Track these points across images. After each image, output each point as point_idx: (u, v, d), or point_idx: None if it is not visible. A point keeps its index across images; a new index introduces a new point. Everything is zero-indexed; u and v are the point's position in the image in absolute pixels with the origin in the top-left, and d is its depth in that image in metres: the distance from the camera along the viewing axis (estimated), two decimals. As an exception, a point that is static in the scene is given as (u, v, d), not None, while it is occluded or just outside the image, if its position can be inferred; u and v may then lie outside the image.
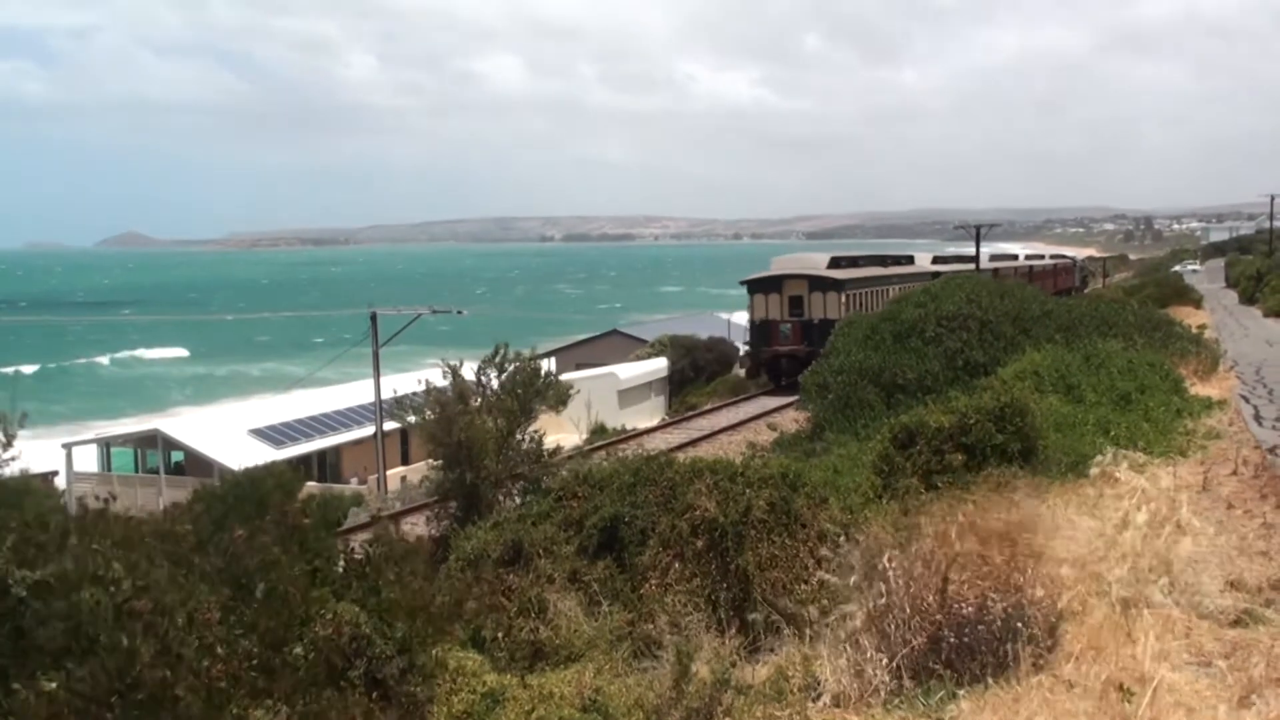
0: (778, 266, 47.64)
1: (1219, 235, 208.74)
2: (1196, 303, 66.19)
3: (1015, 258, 78.44)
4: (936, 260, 60.04)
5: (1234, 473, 14.37)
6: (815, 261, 47.85)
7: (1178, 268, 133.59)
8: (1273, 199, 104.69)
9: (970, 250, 60.77)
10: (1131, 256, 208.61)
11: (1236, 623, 8.03)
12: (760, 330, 45.77)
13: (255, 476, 8.16)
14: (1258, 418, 20.10)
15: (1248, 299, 75.00)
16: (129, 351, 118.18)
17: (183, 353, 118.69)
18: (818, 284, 44.61)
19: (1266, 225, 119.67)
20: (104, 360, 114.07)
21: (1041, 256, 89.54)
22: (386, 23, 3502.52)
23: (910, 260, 57.15)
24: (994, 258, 71.09)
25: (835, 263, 47.25)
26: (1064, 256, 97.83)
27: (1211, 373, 26.61)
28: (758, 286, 46.06)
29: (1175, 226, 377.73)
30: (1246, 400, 22.61)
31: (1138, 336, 27.80)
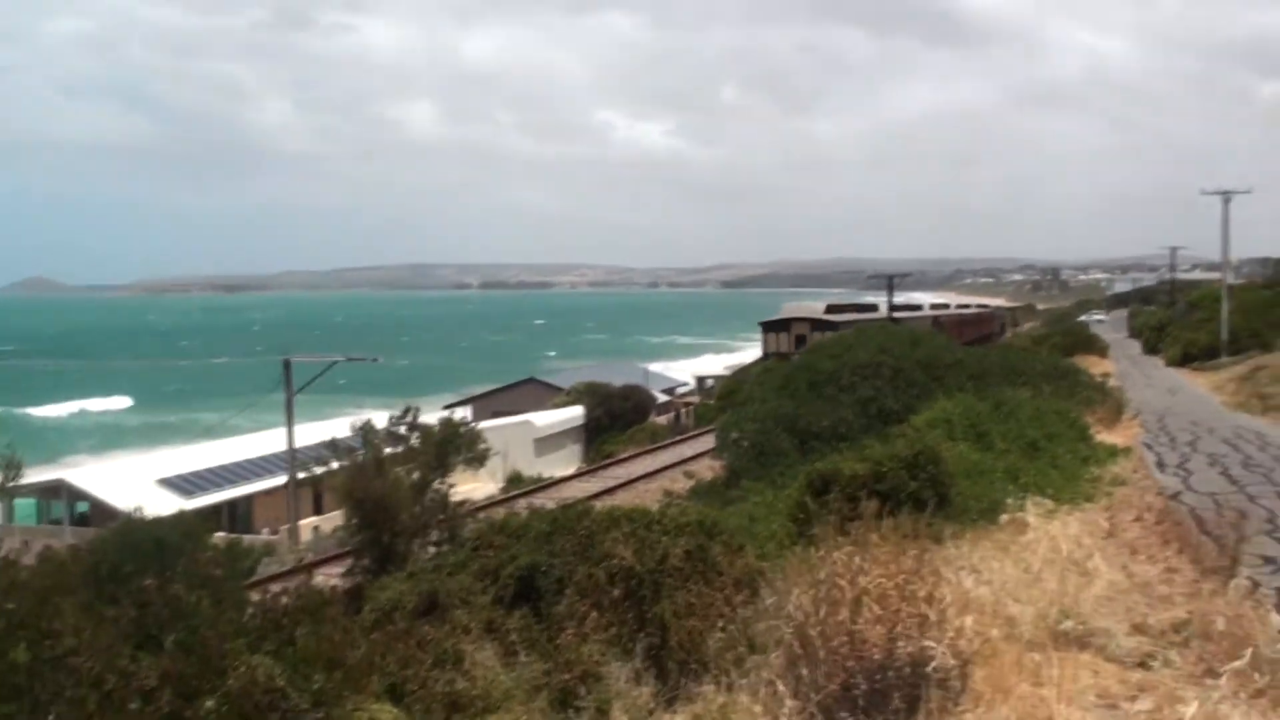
0: (786, 312, 62.71)
1: (1123, 286, 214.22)
2: (1102, 352, 67.84)
3: (947, 306, 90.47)
4: (892, 309, 69.50)
5: (1138, 519, 14.72)
6: (815, 308, 62.10)
7: (1084, 318, 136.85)
8: (1173, 251, 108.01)
9: (900, 299, 71.29)
10: (1039, 306, 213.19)
11: (1140, 665, 8.23)
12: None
13: (161, 523, 8.06)
14: (1160, 465, 20.60)
15: (1151, 349, 77.00)
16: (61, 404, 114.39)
17: (93, 403, 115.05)
18: (818, 325, 55.65)
19: (1168, 277, 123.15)
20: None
21: (968, 306, 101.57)
22: (302, 67, 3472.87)
23: (875, 308, 69.34)
24: (934, 306, 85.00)
25: (830, 309, 59.86)
26: (986, 306, 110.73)
27: (1116, 420, 27.27)
28: (770, 327, 59.76)
29: (1081, 277, 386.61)
30: (1149, 448, 23.17)
31: (1045, 385, 28.43)
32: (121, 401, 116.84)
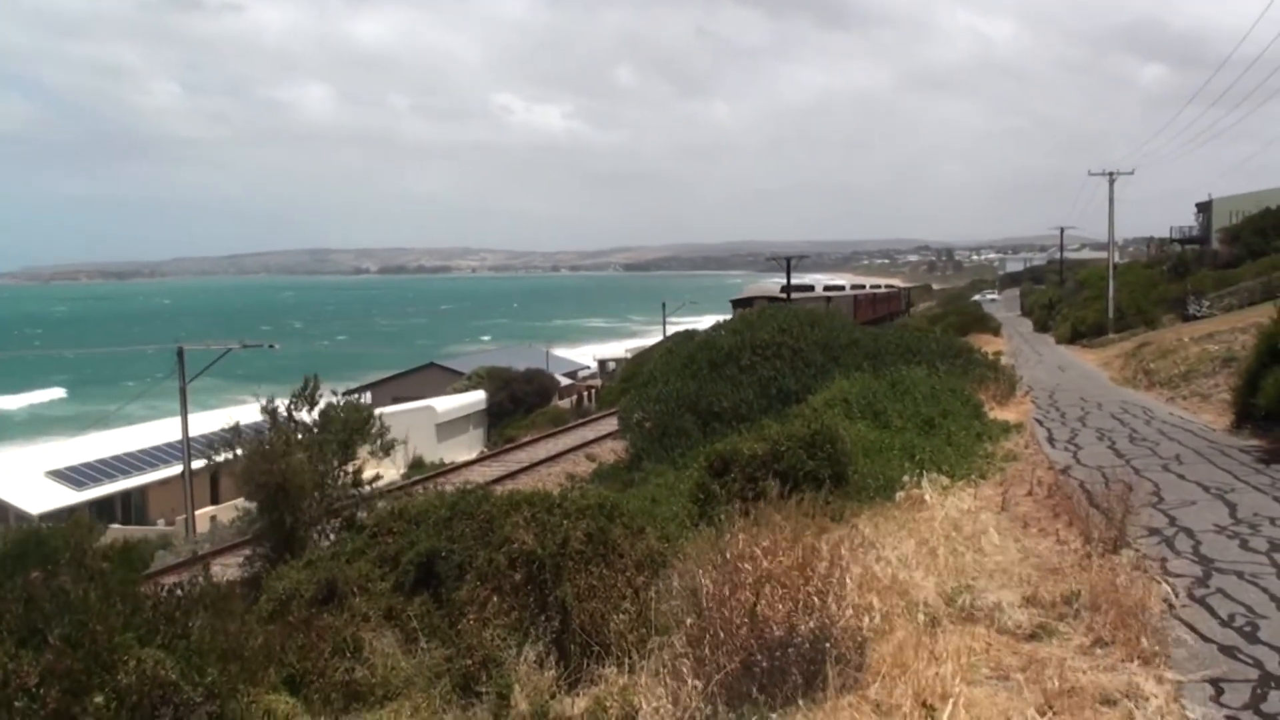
0: (750, 291, 74.61)
1: (1015, 266, 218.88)
2: (995, 330, 69.30)
3: (863, 287, 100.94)
4: (826, 289, 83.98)
5: (1029, 493, 15.04)
6: (771, 289, 72.19)
7: (977, 297, 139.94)
8: (1062, 231, 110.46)
9: (798, 280, 74.91)
10: (935, 286, 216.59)
11: (1032, 637, 8.41)
12: None
13: (50, 526, 7.84)
14: (1051, 440, 21.11)
15: (1041, 327, 78.89)
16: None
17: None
18: (773, 301, 62.52)
19: (1058, 256, 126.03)
20: None
21: (879, 286, 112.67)
22: (188, 50, 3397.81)
23: (813, 289, 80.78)
24: (853, 287, 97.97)
25: (782, 289, 67.32)
26: (894, 287, 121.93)
27: (1009, 397, 27.84)
28: (739, 304, 65.38)
29: (975, 258, 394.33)
30: (1040, 423, 23.74)
31: (940, 363, 28.85)
32: (54, 393, 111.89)
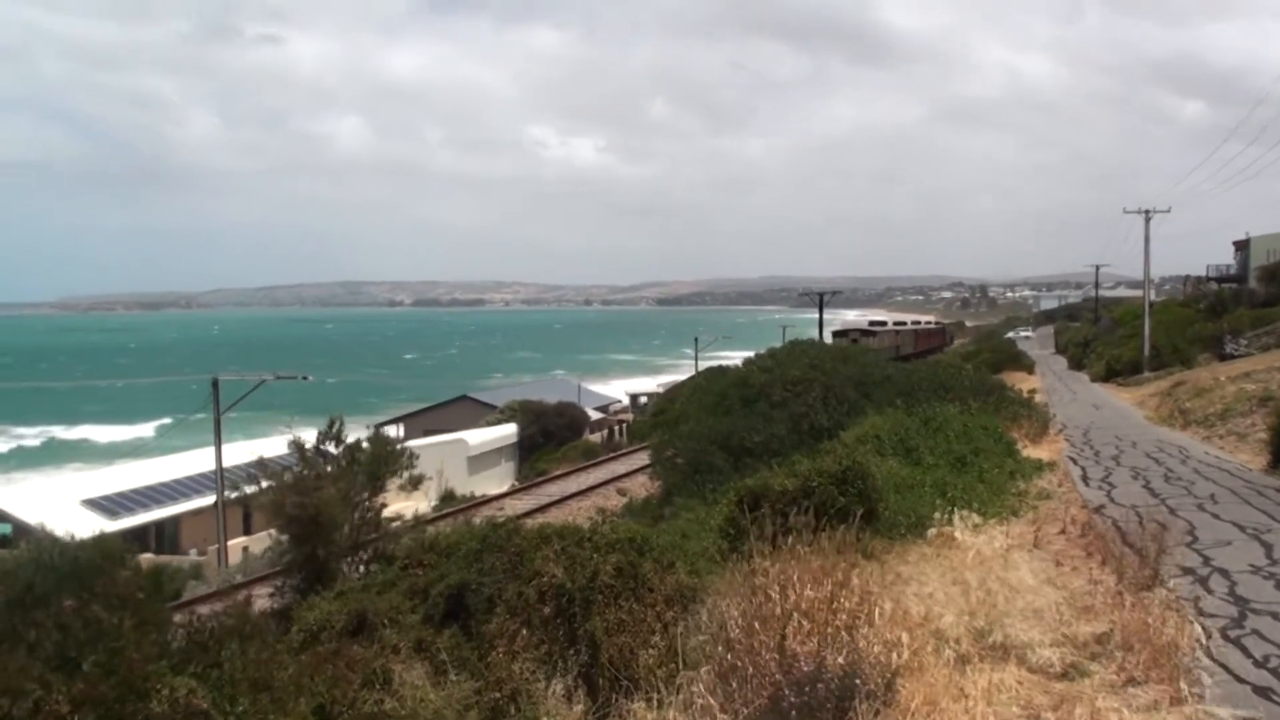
0: (846, 324, 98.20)
1: (1049, 303, 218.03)
2: (1029, 368, 68.92)
3: (904, 323, 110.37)
4: (894, 324, 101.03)
5: (1062, 531, 14.95)
6: (860, 323, 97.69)
7: (1011, 334, 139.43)
8: (1097, 269, 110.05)
9: (829, 316, 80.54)
10: (968, 323, 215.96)
11: (1063, 675, 8.35)
12: None
13: (81, 544, 7.91)
14: (1085, 479, 20.96)
15: (1076, 364, 78.37)
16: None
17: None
18: (865, 333, 79.66)
19: (1093, 294, 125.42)
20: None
21: (919, 322, 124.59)
22: (224, 81, 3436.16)
23: (886, 323, 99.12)
24: (896, 323, 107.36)
25: (871, 323, 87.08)
26: (935, 323, 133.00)
27: (1042, 435, 27.68)
28: (838, 335, 76.79)
29: (1009, 294, 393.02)
30: (1074, 462, 23.58)
31: (973, 401, 28.72)
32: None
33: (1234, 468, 22.32)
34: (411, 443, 35.90)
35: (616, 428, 68.63)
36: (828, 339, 67.52)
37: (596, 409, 79.50)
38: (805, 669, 6.65)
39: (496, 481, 55.13)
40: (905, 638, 8.06)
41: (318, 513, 18.17)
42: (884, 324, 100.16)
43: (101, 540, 8.11)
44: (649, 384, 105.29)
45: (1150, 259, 63.75)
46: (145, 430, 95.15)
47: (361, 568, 17.79)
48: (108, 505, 44.72)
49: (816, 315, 69.80)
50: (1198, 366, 52.08)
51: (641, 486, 34.71)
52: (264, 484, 19.15)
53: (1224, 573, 12.13)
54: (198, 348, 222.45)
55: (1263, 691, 7.99)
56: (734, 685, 6.99)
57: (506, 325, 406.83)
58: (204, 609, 9.49)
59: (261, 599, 20.42)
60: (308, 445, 19.50)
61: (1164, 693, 7.70)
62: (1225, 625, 9.84)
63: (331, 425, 19.37)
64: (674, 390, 68.92)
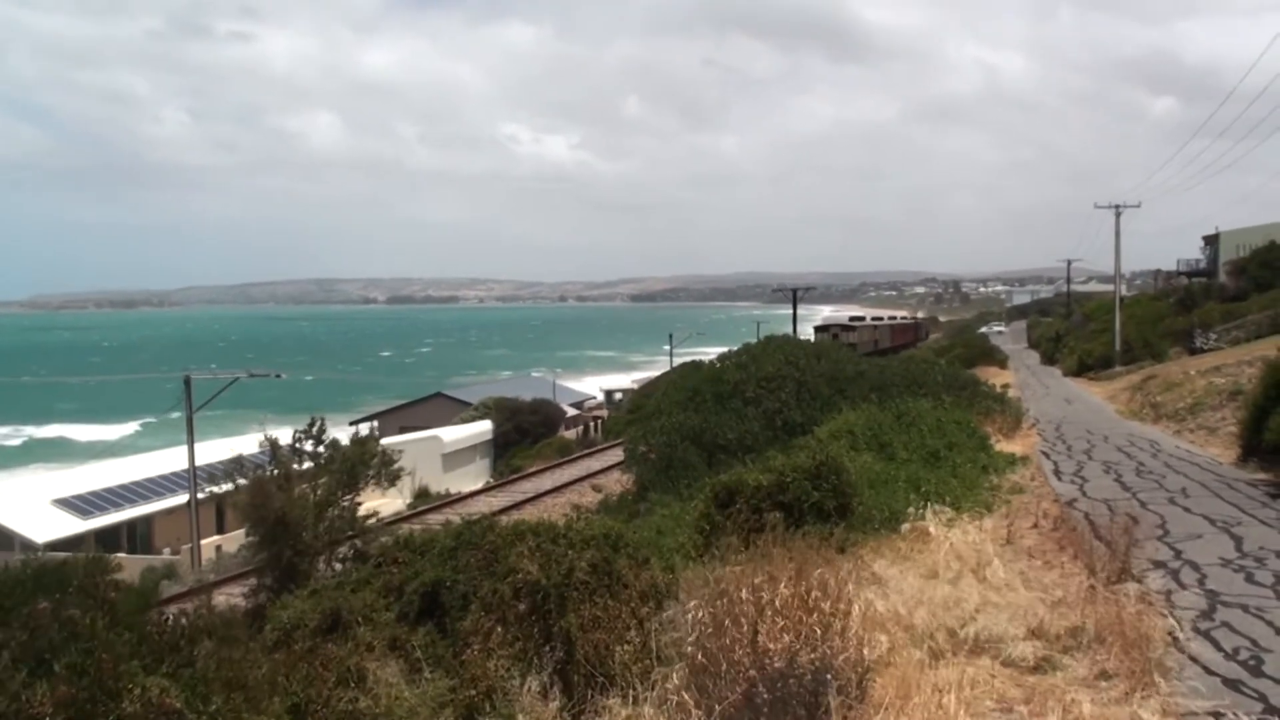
0: (825, 320, 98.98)
1: (1022, 298, 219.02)
2: (1001, 363, 69.28)
3: (881, 319, 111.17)
4: (851, 319, 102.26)
5: (1035, 525, 15.04)
6: (842, 318, 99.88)
7: (984, 329, 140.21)
8: (1069, 264, 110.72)
9: (804, 311, 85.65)
10: (941, 318, 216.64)
11: (1036, 669, 8.40)
12: None
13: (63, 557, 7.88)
14: (1057, 473, 21.10)
15: (1048, 359, 78.81)
16: None
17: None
18: (845, 328, 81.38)
19: (1064, 289, 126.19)
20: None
21: (895, 317, 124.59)
22: (197, 78, 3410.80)
23: (864, 319, 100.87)
24: (874, 318, 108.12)
25: (851, 318, 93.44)
26: (910, 318, 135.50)
27: (1015, 430, 27.84)
28: (819, 330, 79.37)
29: (982, 290, 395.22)
30: (1047, 456, 23.72)
31: (946, 396, 28.83)
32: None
33: (1204, 461, 22.50)
34: (386, 440, 35.81)
35: (591, 424, 68.62)
36: (809, 334, 68.19)
37: (571, 405, 79.49)
38: (778, 665, 6.67)
39: (472, 478, 55.07)
40: (879, 633, 8.10)
41: (284, 513, 18.12)
42: (862, 319, 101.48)
43: (75, 541, 8.05)
44: (624, 380, 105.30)
45: (1121, 254, 64.25)
46: (127, 429, 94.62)
47: (337, 565, 17.74)
48: (79, 505, 44.39)
49: (791, 311, 70.22)
50: (1168, 361, 52.49)
51: (616, 483, 34.71)
52: (237, 482, 19.10)
53: (1195, 565, 12.23)
54: (171, 346, 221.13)
55: (1233, 684, 8.06)
56: (708, 681, 7.00)
57: (481, 322, 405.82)
58: (175, 608, 9.44)
59: (235, 598, 20.36)
60: (282, 444, 19.44)
61: (1135, 685, 7.75)
62: (1196, 618, 9.93)
63: (312, 425, 19.31)
64: (649, 386, 68.99)
